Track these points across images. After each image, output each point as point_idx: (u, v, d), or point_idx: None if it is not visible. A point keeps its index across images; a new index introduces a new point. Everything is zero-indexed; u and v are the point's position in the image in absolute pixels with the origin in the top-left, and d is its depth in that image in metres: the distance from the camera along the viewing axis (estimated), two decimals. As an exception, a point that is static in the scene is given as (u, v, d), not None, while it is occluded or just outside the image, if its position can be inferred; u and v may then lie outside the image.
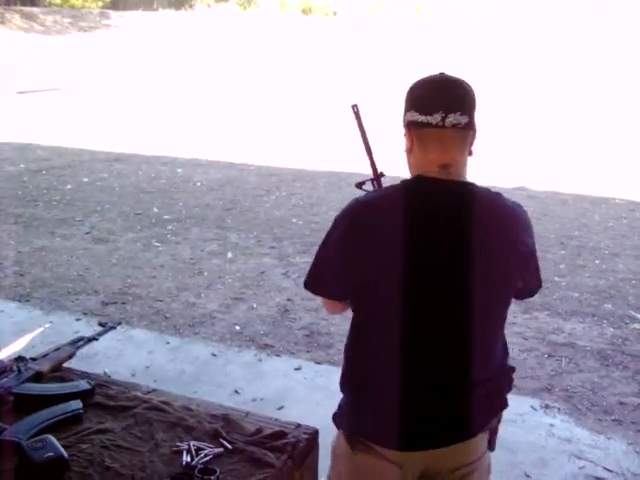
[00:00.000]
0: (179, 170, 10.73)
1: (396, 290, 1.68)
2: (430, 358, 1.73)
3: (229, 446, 1.74)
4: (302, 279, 1.93)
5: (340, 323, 5.03)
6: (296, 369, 4.33)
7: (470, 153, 1.76)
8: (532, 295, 1.96)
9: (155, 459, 1.70)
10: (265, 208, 8.48)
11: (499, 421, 1.93)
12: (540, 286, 1.93)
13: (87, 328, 4.92)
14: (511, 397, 3.95)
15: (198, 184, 9.80)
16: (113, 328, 2.77)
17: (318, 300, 2.00)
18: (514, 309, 5.35)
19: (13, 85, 23.92)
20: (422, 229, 1.68)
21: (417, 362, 1.73)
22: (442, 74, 1.79)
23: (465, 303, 1.69)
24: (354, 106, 2.05)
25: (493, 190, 1.76)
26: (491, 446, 1.91)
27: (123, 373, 4.25)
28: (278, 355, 4.52)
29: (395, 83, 25.20)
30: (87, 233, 7.30)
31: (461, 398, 1.76)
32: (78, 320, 5.05)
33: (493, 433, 1.91)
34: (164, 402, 1.95)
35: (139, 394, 2.00)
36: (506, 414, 3.80)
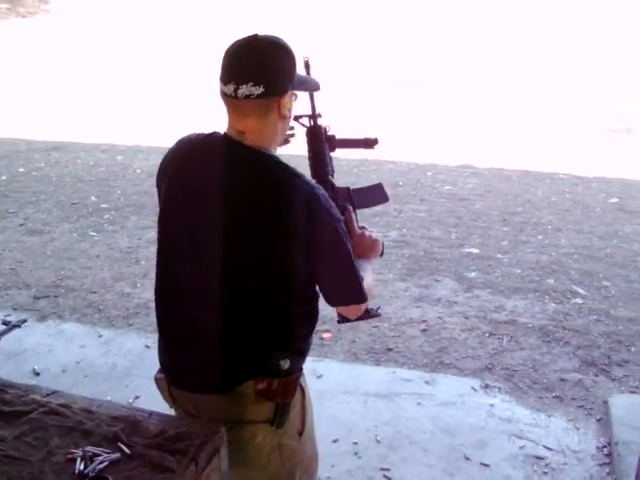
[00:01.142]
0: (119, 157, 10.47)
1: (161, 235, 1.88)
2: (183, 305, 1.82)
3: (127, 450, 1.61)
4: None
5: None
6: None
7: (282, 116, 1.76)
8: (345, 303, 1.89)
9: (46, 469, 1.57)
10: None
11: (281, 395, 1.81)
12: (354, 298, 1.85)
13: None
14: (451, 378, 3.94)
15: (138, 171, 9.56)
16: (17, 327, 2.63)
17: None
18: (455, 287, 5.31)
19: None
20: (192, 179, 1.77)
21: (172, 308, 1.86)
22: (253, 36, 1.73)
23: (212, 263, 1.73)
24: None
25: (297, 172, 1.72)
26: (275, 422, 1.82)
27: (53, 370, 4.09)
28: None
29: (351, 56, 25.06)
30: (21, 225, 7.05)
31: (209, 349, 1.79)
32: (7, 316, 4.83)
33: (279, 409, 1.81)
34: (63, 405, 1.81)
35: (37, 397, 1.85)
36: (445, 396, 3.79)
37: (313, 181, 1.82)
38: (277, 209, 1.68)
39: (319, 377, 3.96)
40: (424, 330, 4.58)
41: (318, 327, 4.54)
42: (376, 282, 5.41)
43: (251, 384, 1.77)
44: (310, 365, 4.04)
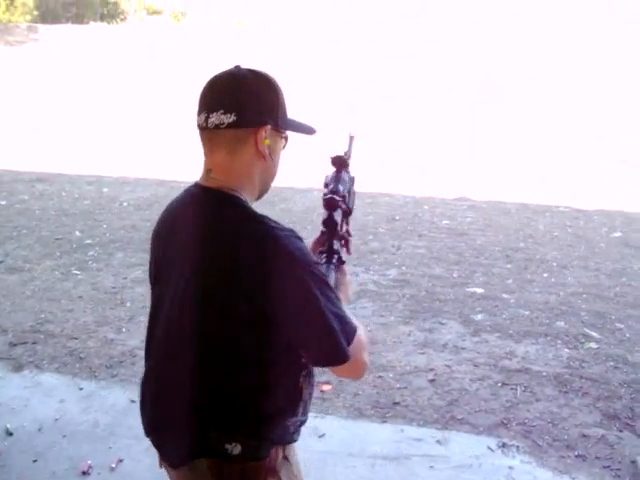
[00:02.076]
0: (105, 189, 10.15)
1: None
2: (157, 370, 1.65)
3: None
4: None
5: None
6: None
7: (260, 155, 1.56)
8: (326, 364, 1.56)
9: None
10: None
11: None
12: (333, 359, 1.53)
13: (-10, 374, 4.39)
14: (465, 436, 3.60)
15: (124, 204, 9.25)
16: None
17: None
18: (461, 331, 4.99)
19: None
20: (166, 237, 1.65)
21: (150, 370, 1.68)
22: (234, 67, 1.60)
23: (183, 326, 1.55)
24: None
25: (257, 214, 1.51)
26: None
27: (29, 428, 3.73)
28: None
29: (334, 91, 24.94)
30: (0, 262, 6.70)
31: (168, 415, 1.61)
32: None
33: None
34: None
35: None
36: (460, 457, 3.44)
37: (278, 224, 1.52)
38: (224, 262, 1.47)
39: (321, 437, 3.62)
40: (432, 380, 4.25)
41: (317, 378, 4.23)
42: (376, 326, 5.12)
43: (204, 462, 1.55)
44: (311, 422, 3.70)
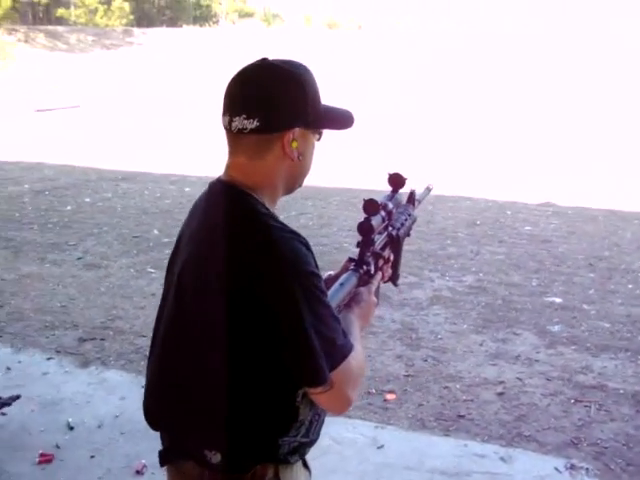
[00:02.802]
0: (187, 189, 10.27)
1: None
2: (156, 360, 1.58)
3: None
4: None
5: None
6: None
7: (288, 158, 1.45)
8: (302, 383, 1.42)
9: None
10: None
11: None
12: (310, 381, 1.39)
13: (57, 369, 4.45)
14: (531, 455, 3.41)
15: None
16: (6, 405, 2.29)
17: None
18: (536, 342, 4.78)
19: (33, 103, 23.81)
20: (185, 227, 1.57)
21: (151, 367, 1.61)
22: (260, 61, 1.47)
23: (180, 325, 1.49)
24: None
25: (261, 212, 1.41)
26: None
27: (89, 424, 3.74)
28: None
29: (420, 94, 24.73)
30: (79, 258, 6.84)
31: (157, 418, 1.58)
32: (49, 359, 4.55)
33: None
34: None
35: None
36: (524, 478, 3.26)
37: (283, 225, 1.42)
38: (215, 256, 1.41)
39: (380, 448, 3.49)
40: (501, 394, 4.06)
41: (381, 386, 4.12)
42: (448, 334, 4.96)
43: (189, 465, 1.51)
44: (370, 433, 3.63)
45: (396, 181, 1.89)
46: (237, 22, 49.03)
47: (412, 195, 2.06)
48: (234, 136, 1.44)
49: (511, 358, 4.55)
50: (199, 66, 33.79)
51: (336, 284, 1.60)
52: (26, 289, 5.95)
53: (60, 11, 42.33)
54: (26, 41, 33.87)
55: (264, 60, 1.47)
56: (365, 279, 1.70)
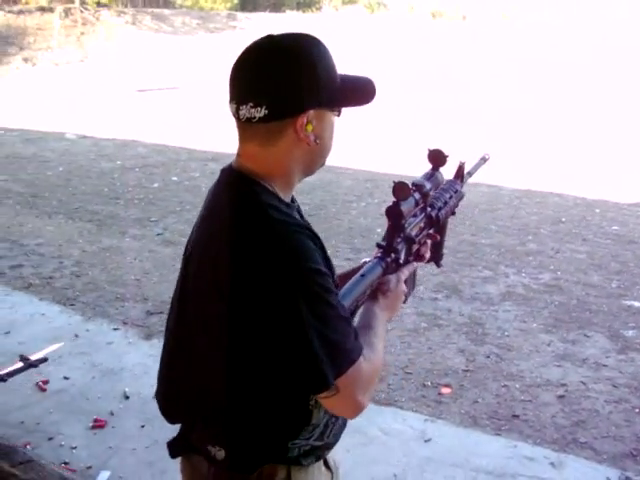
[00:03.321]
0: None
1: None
2: (165, 360, 1.54)
3: None
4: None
5: (400, 353, 4.44)
6: (334, 405, 3.75)
7: (303, 142, 1.36)
8: (307, 389, 1.35)
9: None
10: (351, 215, 7.94)
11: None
12: (311, 387, 1.32)
13: (122, 340, 4.57)
14: (583, 462, 3.27)
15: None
16: (34, 366, 2.36)
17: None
18: (607, 346, 4.58)
19: (135, 83, 24.46)
20: (199, 215, 1.48)
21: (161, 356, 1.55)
22: (263, 39, 1.36)
23: (187, 320, 1.44)
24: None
25: (264, 202, 1.33)
26: None
27: (144, 394, 3.82)
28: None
29: (519, 88, 24.09)
30: (158, 234, 6.99)
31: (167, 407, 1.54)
32: (115, 330, 4.68)
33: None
34: (28, 482, 1.45)
35: (6, 466, 1.50)
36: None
37: (288, 216, 1.34)
38: (214, 246, 1.36)
39: (427, 441, 3.43)
40: (561, 396, 3.92)
41: (438, 380, 4.03)
42: (516, 332, 4.82)
43: (200, 459, 1.48)
44: (420, 425, 3.56)
45: (436, 158, 1.76)
46: (340, 9, 48.96)
47: (460, 169, 1.94)
48: (243, 124, 1.36)
49: (578, 361, 4.38)
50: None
51: (357, 275, 1.51)
52: (104, 261, 6.13)
53: (168, -6, 43.55)
54: (133, 23, 34.81)
55: (267, 38, 1.36)
56: (393, 267, 1.60)
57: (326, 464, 1.57)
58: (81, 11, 33.95)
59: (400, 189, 1.55)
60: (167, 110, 17.60)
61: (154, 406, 1.59)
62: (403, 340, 4.63)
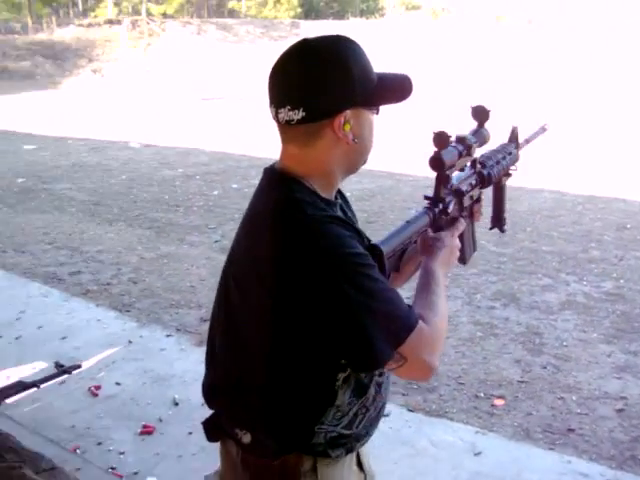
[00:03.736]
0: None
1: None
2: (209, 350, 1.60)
3: None
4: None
5: (453, 363, 4.34)
6: (384, 416, 3.68)
7: (343, 142, 1.38)
8: (364, 369, 1.40)
9: None
10: (409, 223, 7.85)
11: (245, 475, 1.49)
12: (370, 365, 1.36)
13: (174, 346, 4.60)
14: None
15: (348, 194, 9.27)
16: (67, 372, 2.37)
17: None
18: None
19: (200, 92, 24.86)
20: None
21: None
22: (298, 44, 1.39)
23: (228, 313, 1.50)
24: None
25: (298, 199, 1.35)
26: None
27: (194, 401, 3.83)
28: (367, 396, 3.90)
29: (585, 91, 23.62)
30: (216, 242, 7.04)
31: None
32: (168, 336, 4.72)
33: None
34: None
35: (28, 472, 1.50)
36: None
37: (323, 210, 1.36)
38: (251, 243, 1.41)
39: (477, 454, 3.33)
40: (620, 410, 3.76)
41: (491, 391, 3.93)
42: (575, 341, 4.67)
43: (231, 442, 1.52)
44: (470, 438, 3.47)
45: (480, 114, 1.76)
46: (404, 14, 48.83)
47: (514, 132, 1.95)
48: (282, 127, 1.39)
49: (639, 373, 4.22)
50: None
51: (402, 222, 1.54)
52: (161, 268, 6.20)
53: (232, 4, 44.08)
54: (199, 33, 35.44)
55: (302, 42, 1.40)
56: (443, 219, 1.63)
57: (359, 465, 1.58)
58: (147, 23, 34.75)
59: (439, 138, 1.56)
60: (230, 118, 17.81)
61: (202, 413, 1.60)
62: (457, 350, 4.54)
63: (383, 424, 3.56)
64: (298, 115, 1.33)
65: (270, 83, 1.39)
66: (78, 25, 36.42)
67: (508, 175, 1.91)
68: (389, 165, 11.08)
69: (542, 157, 12.05)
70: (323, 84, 1.34)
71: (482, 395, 3.93)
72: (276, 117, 1.38)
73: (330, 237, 1.30)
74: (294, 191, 1.37)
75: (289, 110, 1.34)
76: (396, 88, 1.46)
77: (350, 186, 9.69)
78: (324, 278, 1.27)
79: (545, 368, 4.29)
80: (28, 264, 6.31)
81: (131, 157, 12.25)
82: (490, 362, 4.37)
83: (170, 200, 8.85)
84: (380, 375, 1.48)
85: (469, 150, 1.65)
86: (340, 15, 46.36)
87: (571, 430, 3.56)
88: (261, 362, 1.40)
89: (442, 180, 1.60)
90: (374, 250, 1.38)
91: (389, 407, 3.75)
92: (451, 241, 1.61)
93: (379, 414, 1.54)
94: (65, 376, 3.82)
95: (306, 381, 1.38)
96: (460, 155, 1.62)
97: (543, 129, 2.05)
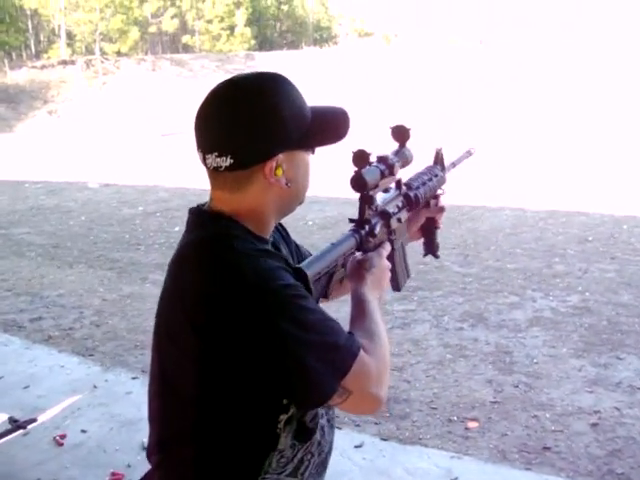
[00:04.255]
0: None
1: None
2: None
3: None
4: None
5: (424, 388, 4.30)
6: (356, 446, 3.61)
7: (275, 186, 1.31)
8: (309, 406, 1.31)
9: None
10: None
11: None
12: (315, 401, 1.26)
13: (140, 388, 4.48)
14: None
15: (310, 223, 9.31)
16: (21, 427, 2.29)
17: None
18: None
19: (158, 128, 24.78)
20: None
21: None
22: (225, 83, 1.32)
23: (160, 362, 1.36)
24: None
25: (224, 234, 1.28)
26: None
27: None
28: (339, 427, 3.81)
29: (539, 106, 24.00)
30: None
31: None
32: (134, 379, 4.60)
33: None
34: None
35: None
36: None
37: (254, 245, 1.29)
38: (177, 283, 1.31)
39: (453, 480, 3.28)
40: (594, 425, 3.74)
41: (465, 413, 3.89)
42: (545, 358, 4.66)
43: None
44: (446, 463, 3.41)
45: (400, 134, 1.65)
46: (356, 41, 49.36)
47: (438, 155, 1.87)
48: (211, 172, 1.31)
49: (611, 385, 4.21)
50: (319, 85, 34.20)
51: (327, 245, 1.44)
52: (125, 309, 6.08)
53: (185, 39, 44.19)
54: (153, 70, 35.43)
55: (228, 82, 1.32)
56: (371, 242, 1.52)
57: None
58: (102, 62, 34.65)
59: (359, 157, 1.46)
60: (189, 153, 17.71)
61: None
62: (428, 374, 4.50)
63: (357, 455, 3.53)
64: (226, 162, 1.26)
65: (196, 127, 1.31)
66: (32, 67, 36.17)
67: (436, 197, 1.83)
68: (351, 192, 11.09)
69: (501, 175, 12.19)
70: (251, 129, 1.26)
71: (455, 418, 3.89)
72: (204, 162, 1.30)
73: (258, 272, 1.21)
74: (223, 227, 1.30)
75: (216, 157, 1.26)
76: (331, 126, 1.39)
77: (312, 214, 9.70)
78: (256, 314, 1.18)
79: (517, 387, 4.26)
80: (-14, 313, 6.16)
81: (90, 197, 12.12)
82: (462, 384, 4.33)
83: (131, 239, 8.74)
84: (324, 416, 1.41)
85: (391, 169, 1.55)
86: (294, 45, 46.74)
87: (547, 448, 3.52)
88: (194, 410, 1.30)
89: (366, 201, 1.50)
90: (298, 273, 1.30)
91: (362, 437, 3.71)
92: (380, 261, 1.51)
93: (325, 459, 1.45)
94: (31, 426, 3.72)
95: (245, 427, 1.29)
96: (382, 174, 1.52)
97: (469, 153, 1.99)
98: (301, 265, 1.34)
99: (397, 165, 1.58)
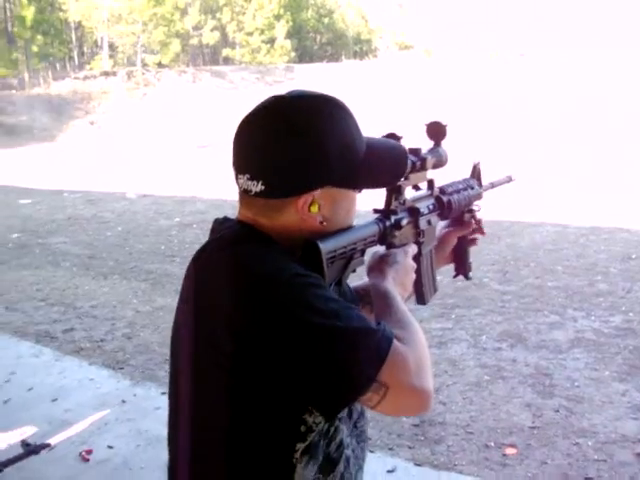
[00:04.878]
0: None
1: None
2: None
3: None
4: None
5: (461, 410, 4.15)
6: (389, 471, 3.49)
7: (308, 221, 1.18)
8: (340, 404, 1.10)
9: None
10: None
11: None
12: (363, 383, 1.06)
13: (169, 405, 4.40)
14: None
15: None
16: (34, 452, 2.21)
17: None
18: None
19: (196, 140, 24.92)
20: None
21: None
22: (269, 101, 1.19)
23: (179, 378, 1.27)
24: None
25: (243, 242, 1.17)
26: None
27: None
28: (372, 451, 3.67)
29: (580, 121, 23.64)
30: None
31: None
32: (164, 394, 4.52)
33: None
34: None
35: None
36: None
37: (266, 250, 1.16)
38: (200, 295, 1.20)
39: (488, 510, 3.13)
40: None
41: (502, 439, 3.74)
42: (587, 381, 4.48)
43: None
44: (479, 493, 3.27)
45: (435, 131, 1.52)
46: (397, 54, 49.29)
47: (475, 169, 1.77)
48: (242, 193, 1.20)
49: (657, 412, 4.03)
50: (359, 98, 34.19)
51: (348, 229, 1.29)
52: (157, 322, 6.03)
53: (226, 51, 44.57)
54: (194, 81, 35.74)
55: (273, 101, 1.19)
56: (396, 236, 1.39)
57: None
58: (143, 73, 35.05)
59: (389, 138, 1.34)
60: (226, 165, 17.75)
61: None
62: (465, 395, 4.35)
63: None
64: (257, 187, 1.15)
65: (233, 142, 1.21)
66: (74, 78, 36.72)
67: (471, 212, 1.69)
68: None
69: (542, 190, 11.97)
70: (287, 159, 1.14)
71: (492, 444, 3.73)
72: (236, 180, 1.20)
73: (266, 267, 1.11)
74: (244, 234, 1.20)
75: (248, 179, 1.16)
76: (385, 168, 1.27)
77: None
78: (279, 310, 1.06)
79: (557, 411, 4.09)
80: (20, 322, 6.15)
81: (127, 208, 12.16)
82: (499, 408, 4.17)
83: (166, 250, 8.71)
84: (349, 446, 1.28)
85: (423, 163, 1.42)
86: (334, 57, 46.81)
87: (589, 479, 3.36)
88: (215, 435, 1.19)
89: (393, 190, 1.38)
90: (310, 246, 1.17)
91: (395, 462, 3.58)
92: (404, 259, 1.37)
93: None
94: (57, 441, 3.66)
95: (262, 454, 1.17)
96: (413, 166, 1.39)
97: (509, 178, 1.90)
98: (315, 240, 1.19)
99: (430, 159, 1.45)
